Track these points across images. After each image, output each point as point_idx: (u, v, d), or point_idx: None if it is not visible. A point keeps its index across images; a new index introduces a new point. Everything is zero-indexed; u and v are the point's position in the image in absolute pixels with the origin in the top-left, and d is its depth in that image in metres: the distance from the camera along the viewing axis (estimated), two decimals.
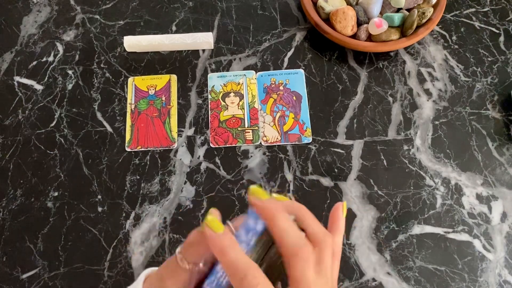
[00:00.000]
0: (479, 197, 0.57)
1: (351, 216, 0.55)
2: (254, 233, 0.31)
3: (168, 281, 0.33)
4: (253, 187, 0.31)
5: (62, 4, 0.71)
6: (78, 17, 0.70)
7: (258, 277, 0.28)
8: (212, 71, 0.65)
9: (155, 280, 0.34)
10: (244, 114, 0.62)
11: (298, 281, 0.28)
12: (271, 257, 0.32)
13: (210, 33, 0.66)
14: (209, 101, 0.63)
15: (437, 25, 0.68)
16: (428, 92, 0.63)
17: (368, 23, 0.64)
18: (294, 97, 0.63)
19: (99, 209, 0.56)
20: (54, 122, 0.62)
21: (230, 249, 0.29)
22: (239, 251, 0.29)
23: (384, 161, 0.59)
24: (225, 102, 0.63)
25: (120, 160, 0.59)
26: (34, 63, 0.66)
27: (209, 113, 0.62)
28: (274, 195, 0.33)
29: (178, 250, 0.33)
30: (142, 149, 0.60)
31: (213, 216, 0.31)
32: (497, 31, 0.68)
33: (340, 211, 0.35)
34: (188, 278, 0.33)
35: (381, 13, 0.65)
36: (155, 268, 0.36)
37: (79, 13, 0.71)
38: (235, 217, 0.38)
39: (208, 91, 0.64)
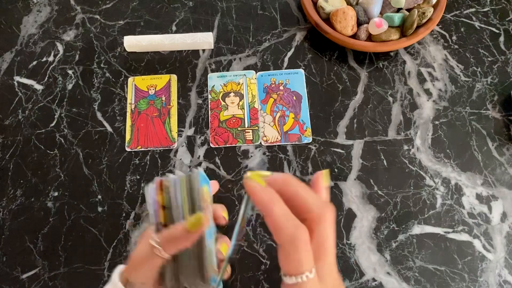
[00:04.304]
0: (479, 197, 0.57)
1: (351, 216, 0.55)
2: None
3: (143, 267, 0.34)
4: (252, 173, 0.30)
5: (62, 4, 0.71)
6: (78, 17, 0.70)
7: (306, 236, 0.28)
8: (212, 71, 0.65)
9: (129, 271, 0.35)
10: (244, 114, 0.62)
11: (299, 263, 0.28)
12: None
13: (210, 33, 0.66)
14: (209, 101, 0.63)
15: (437, 25, 0.68)
16: (428, 92, 0.63)
17: (368, 23, 0.64)
18: (294, 97, 0.63)
19: (99, 209, 0.56)
20: (54, 122, 0.62)
21: (276, 203, 0.28)
22: (284, 207, 0.28)
23: (384, 161, 0.59)
24: (225, 102, 0.63)
25: (120, 160, 0.59)
26: (34, 63, 0.66)
27: (209, 113, 0.62)
28: (249, 173, 0.31)
29: (153, 243, 0.34)
30: (142, 149, 0.60)
31: (255, 172, 0.30)
32: (497, 31, 0.68)
33: (320, 182, 0.33)
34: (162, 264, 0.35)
35: (381, 13, 0.65)
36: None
37: (79, 13, 0.71)
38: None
39: (208, 91, 0.64)
